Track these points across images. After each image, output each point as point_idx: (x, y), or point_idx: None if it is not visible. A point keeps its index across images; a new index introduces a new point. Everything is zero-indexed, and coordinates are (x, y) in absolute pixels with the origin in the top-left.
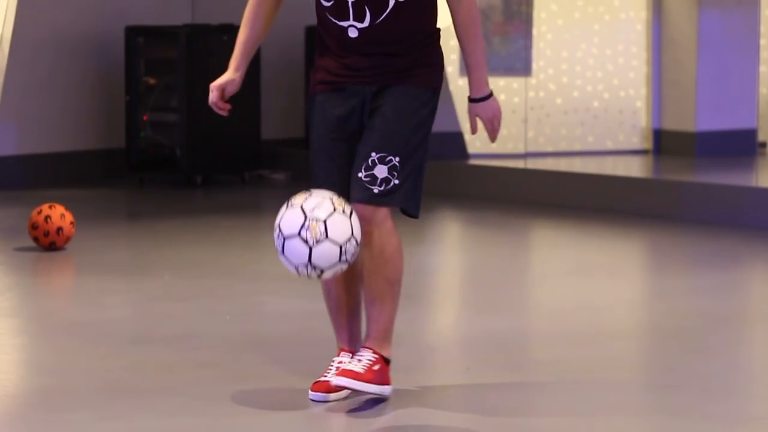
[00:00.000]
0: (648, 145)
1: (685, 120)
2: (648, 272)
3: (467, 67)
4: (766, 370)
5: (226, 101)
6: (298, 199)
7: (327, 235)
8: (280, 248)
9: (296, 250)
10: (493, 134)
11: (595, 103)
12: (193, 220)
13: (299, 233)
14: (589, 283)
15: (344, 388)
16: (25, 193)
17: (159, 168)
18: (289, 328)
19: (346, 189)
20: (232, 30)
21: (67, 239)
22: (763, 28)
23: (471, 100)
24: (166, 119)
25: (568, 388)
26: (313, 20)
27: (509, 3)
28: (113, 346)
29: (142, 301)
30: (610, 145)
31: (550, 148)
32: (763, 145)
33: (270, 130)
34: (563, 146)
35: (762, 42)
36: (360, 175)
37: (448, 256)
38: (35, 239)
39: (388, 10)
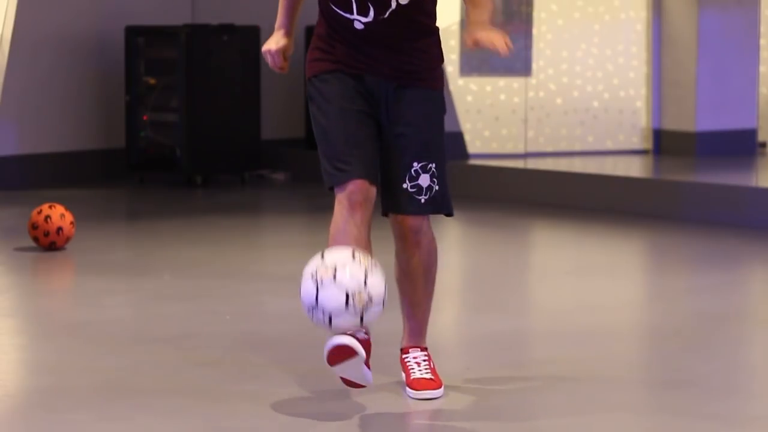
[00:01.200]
0: (648, 145)
1: (685, 120)
2: (648, 272)
3: (468, 13)
4: (766, 370)
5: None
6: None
7: (335, 279)
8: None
9: (306, 290)
10: (500, 47)
11: (595, 103)
12: (193, 220)
13: (311, 276)
14: (589, 283)
15: (427, 399)
16: (25, 193)
17: (159, 168)
18: (289, 328)
19: (368, 153)
20: (232, 30)
21: (67, 239)
22: (763, 28)
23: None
24: (166, 119)
25: (568, 388)
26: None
27: (509, 3)
28: (113, 346)
29: (142, 301)
30: (610, 145)
31: (550, 148)
32: (763, 145)
33: (270, 130)
34: (563, 146)
35: (762, 42)
36: (405, 186)
37: (448, 256)
38: (35, 239)
39: (390, 9)
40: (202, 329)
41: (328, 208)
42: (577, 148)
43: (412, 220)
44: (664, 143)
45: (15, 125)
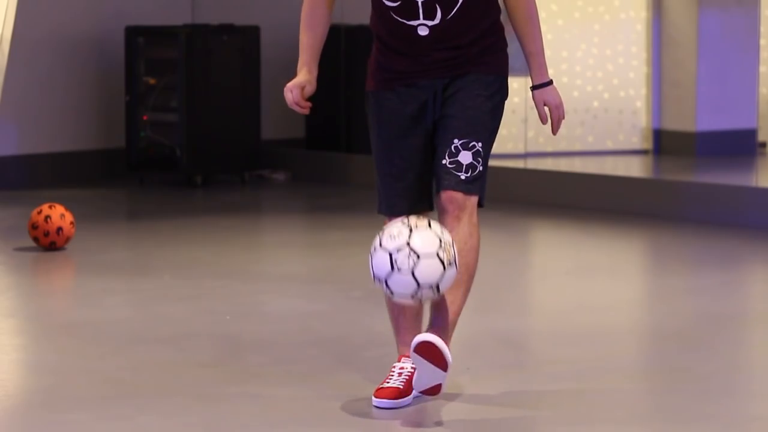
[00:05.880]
0: (648, 145)
1: (685, 120)
2: (648, 272)
3: (528, 54)
4: (766, 370)
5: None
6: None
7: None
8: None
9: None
10: (557, 124)
11: (595, 103)
12: (193, 220)
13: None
14: (589, 283)
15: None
16: (25, 193)
17: (159, 168)
18: (289, 328)
19: (420, 182)
20: (232, 30)
21: (67, 239)
22: (763, 28)
23: (535, 87)
24: (166, 119)
25: (568, 388)
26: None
27: None
28: (113, 346)
29: (142, 301)
30: (610, 145)
31: (550, 148)
32: (763, 145)
33: (270, 130)
34: (563, 146)
35: (762, 42)
36: (444, 162)
37: None
38: (35, 239)
39: (457, 6)
40: (202, 329)
41: (327, 208)
42: (577, 148)
43: (451, 195)
44: (664, 143)
45: (15, 125)
